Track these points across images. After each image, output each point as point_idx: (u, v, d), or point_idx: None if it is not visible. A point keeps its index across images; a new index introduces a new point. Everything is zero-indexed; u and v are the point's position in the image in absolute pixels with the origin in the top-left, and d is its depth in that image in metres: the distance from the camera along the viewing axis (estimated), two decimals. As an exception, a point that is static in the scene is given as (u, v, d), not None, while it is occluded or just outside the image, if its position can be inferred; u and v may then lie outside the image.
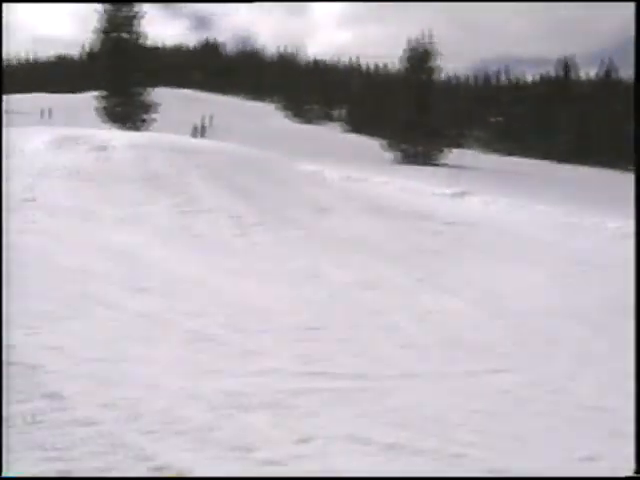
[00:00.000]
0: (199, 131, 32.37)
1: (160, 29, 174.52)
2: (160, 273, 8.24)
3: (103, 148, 14.00)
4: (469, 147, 66.28)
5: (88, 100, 50.92)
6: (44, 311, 6.13)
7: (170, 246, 9.83)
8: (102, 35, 42.10)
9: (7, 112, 44.13)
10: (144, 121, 41.46)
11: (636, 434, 3.92)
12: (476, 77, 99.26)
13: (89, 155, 13.66)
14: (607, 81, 73.69)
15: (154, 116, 41.94)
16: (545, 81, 79.40)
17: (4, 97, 61.35)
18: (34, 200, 11.31)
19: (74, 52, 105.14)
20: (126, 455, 3.65)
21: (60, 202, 11.38)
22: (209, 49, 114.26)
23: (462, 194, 20.57)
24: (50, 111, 46.77)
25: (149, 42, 44.84)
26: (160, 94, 46.38)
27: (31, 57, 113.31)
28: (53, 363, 4.83)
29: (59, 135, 14.88)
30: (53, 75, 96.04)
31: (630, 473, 3.66)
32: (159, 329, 6.13)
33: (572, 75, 75.68)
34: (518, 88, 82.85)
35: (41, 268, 7.78)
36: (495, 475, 3.88)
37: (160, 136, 16.86)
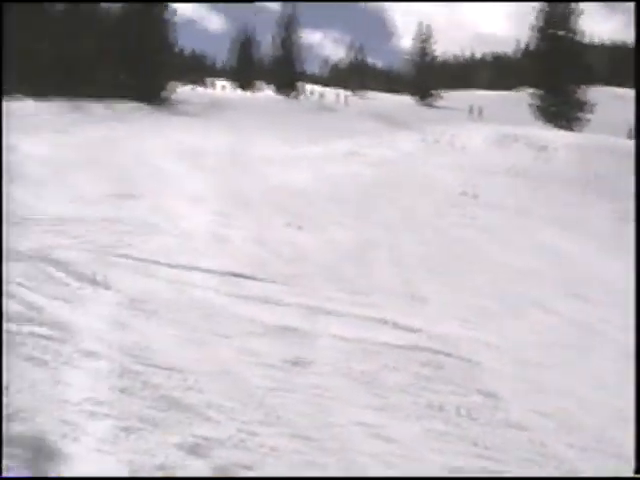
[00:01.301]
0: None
1: (597, 25, 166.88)
2: (595, 280, 7.87)
3: (542, 148, 13.96)
4: None
5: (520, 98, 51.33)
6: (479, 306, 6.28)
7: (606, 253, 9.36)
8: (538, 32, 42.17)
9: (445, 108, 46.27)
10: (578, 120, 40.46)
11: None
12: None
13: (528, 154, 13.73)
14: None
15: (589, 116, 40.71)
16: None
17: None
18: (471, 195, 11.70)
19: (508, 49, 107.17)
20: (557, 468, 3.51)
21: (496, 199, 11.60)
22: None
23: None
24: (480, 109, 47.91)
25: (585, 39, 43.72)
26: (596, 93, 44.80)
27: (471, 54, 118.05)
28: (487, 360, 4.88)
29: (498, 133, 15.24)
30: (487, 72, 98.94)
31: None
32: (591, 339, 5.85)
33: None
34: None
35: (476, 263, 8.01)
36: None
37: (600, 138, 16.23)
